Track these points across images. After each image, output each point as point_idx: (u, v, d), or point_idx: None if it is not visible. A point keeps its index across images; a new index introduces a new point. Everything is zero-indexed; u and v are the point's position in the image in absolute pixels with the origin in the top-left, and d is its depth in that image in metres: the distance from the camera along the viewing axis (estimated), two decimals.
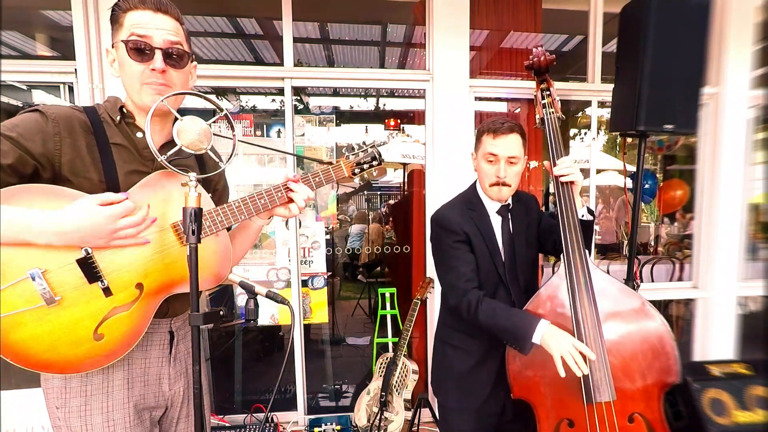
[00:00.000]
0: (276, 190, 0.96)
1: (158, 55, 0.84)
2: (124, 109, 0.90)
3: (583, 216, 1.26)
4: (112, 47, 0.88)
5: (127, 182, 0.87)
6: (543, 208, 1.63)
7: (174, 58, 0.87)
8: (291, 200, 0.97)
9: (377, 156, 1.05)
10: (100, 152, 0.86)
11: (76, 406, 0.87)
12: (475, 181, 1.37)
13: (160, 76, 0.85)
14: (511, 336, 1.16)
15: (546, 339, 1.09)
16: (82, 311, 0.81)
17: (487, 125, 1.27)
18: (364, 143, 1.07)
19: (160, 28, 0.85)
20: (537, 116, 1.33)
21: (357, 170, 1.04)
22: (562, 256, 1.23)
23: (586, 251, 1.23)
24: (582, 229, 1.24)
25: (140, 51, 0.84)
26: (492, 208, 1.32)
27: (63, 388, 0.87)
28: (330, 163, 1.01)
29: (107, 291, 0.83)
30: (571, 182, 1.23)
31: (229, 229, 1.07)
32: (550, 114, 1.30)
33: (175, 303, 0.95)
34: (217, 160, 0.92)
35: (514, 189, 1.30)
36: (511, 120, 1.26)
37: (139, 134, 0.91)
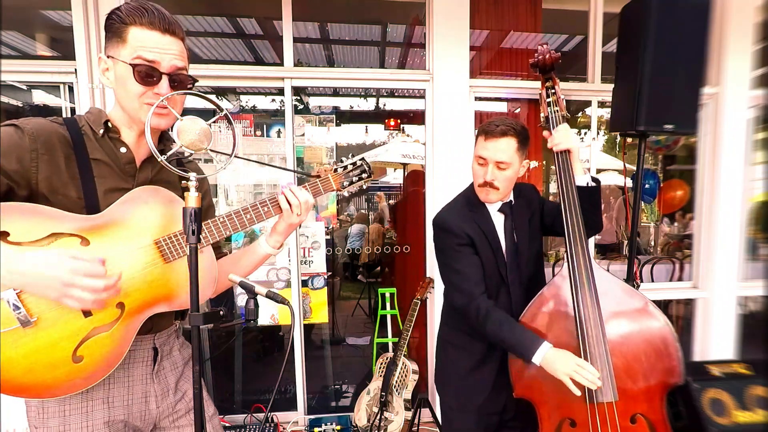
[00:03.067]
0: (262, 204, 0.95)
1: (164, 81, 0.83)
2: (109, 123, 0.87)
3: (587, 183, 1.24)
4: (108, 57, 0.83)
5: (107, 200, 0.84)
6: None
7: (178, 82, 0.85)
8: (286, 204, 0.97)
9: (366, 169, 1.04)
10: (80, 168, 0.82)
11: (54, 427, 0.84)
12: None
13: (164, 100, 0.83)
14: (513, 352, 1.19)
15: (549, 363, 1.10)
16: (61, 332, 0.78)
17: (483, 126, 1.26)
18: (352, 155, 1.05)
19: (168, 52, 0.82)
20: (542, 114, 1.33)
21: (346, 183, 1.03)
22: (564, 254, 1.24)
23: (590, 250, 1.23)
24: (588, 198, 1.23)
25: (147, 75, 0.81)
26: (493, 207, 1.31)
27: (40, 408, 0.84)
28: (318, 177, 1.00)
29: (86, 312, 0.80)
30: (567, 150, 1.22)
31: (217, 247, 1.06)
32: (555, 112, 1.30)
33: (159, 319, 0.92)
34: (188, 161, 0.89)
35: (505, 193, 1.28)
36: (509, 122, 1.22)
37: (123, 149, 0.88)
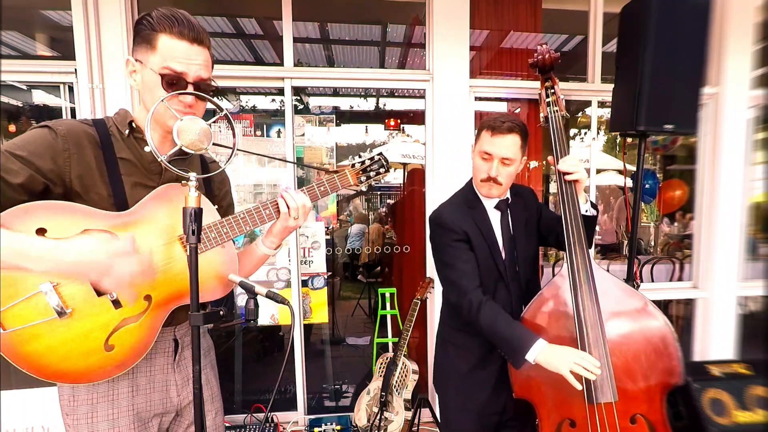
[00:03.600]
0: (264, 207, 0.98)
1: (189, 89, 0.86)
2: (134, 124, 0.91)
3: (586, 211, 1.26)
4: (136, 61, 0.87)
5: (133, 197, 0.88)
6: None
7: (202, 90, 0.88)
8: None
9: (384, 164, 1.06)
10: (107, 166, 0.87)
11: (83, 413, 0.89)
12: (471, 178, 1.36)
13: (187, 107, 0.87)
14: (507, 347, 1.16)
15: (547, 359, 1.08)
16: (93, 323, 0.83)
17: (488, 121, 1.25)
18: (370, 149, 1.06)
19: (195, 63, 0.85)
20: (541, 114, 1.33)
21: (363, 178, 1.05)
22: (564, 254, 1.23)
23: (590, 252, 1.23)
24: (585, 225, 1.23)
25: (174, 84, 0.85)
26: (490, 203, 1.31)
27: (71, 397, 0.90)
28: (336, 172, 1.02)
29: (116, 303, 0.85)
30: (576, 180, 1.23)
31: None
32: (554, 112, 1.30)
33: (179, 312, 0.96)
34: (211, 161, 0.94)
35: (506, 189, 1.29)
36: (513, 119, 1.23)
37: (147, 148, 0.90)
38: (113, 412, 0.91)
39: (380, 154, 1.06)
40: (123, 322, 0.85)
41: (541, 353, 1.09)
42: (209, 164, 1.07)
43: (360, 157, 1.06)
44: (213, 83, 0.91)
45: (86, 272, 0.80)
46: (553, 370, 1.07)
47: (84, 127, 0.87)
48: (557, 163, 1.25)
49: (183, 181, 0.78)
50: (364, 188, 1.09)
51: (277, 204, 0.99)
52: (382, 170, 1.06)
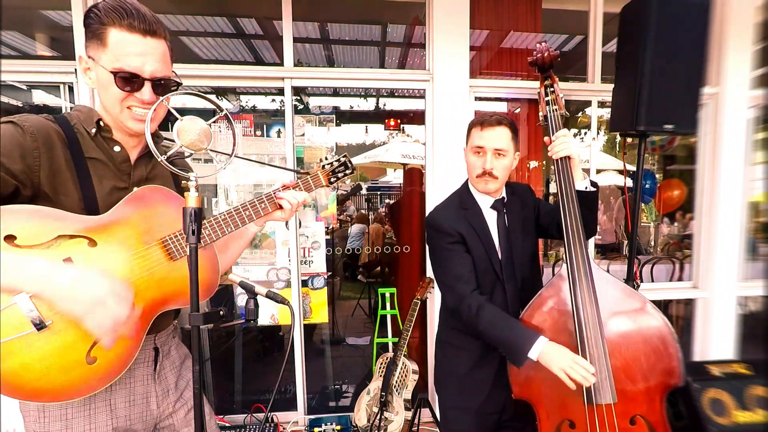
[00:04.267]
0: (259, 201, 1.00)
1: (147, 86, 0.81)
2: (101, 122, 0.86)
3: (586, 188, 1.25)
4: (89, 57, 0.81)
5: (107, 200, 0.83)
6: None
7: (162, 87, 0.83)
8: (280, 207, 1.03)
9: (348, 164, 1.14)
10: (76, 167, 0.81)
11: (57, 431, 0.83)
12: (467, 180, 1.36)
13: (147, 105, 0.82)
14: (508, 348, 1.15)
15: (545, 356, 1.09)
16: (75, 334, 0.76)
17: (476, 119, 1.28)
18: (343, 157, 1.15)
19: (150, 58, 0.80)
20: (540, 113, 1.32)
21: (333, 179, 1.12)
22: (563, 253, 1.23)
23: (589, 249, 1.22)
24: (586, 202, 1.23)
25: (128, 82, 0.79)
26: (486, 203, 1.31)
27: (41, 413, 0.83)
28: (307, 173, 1.10)
29: None
30: (568, 157, 1.23)
31: None
32: (553, 111, 1.29)
33: (161, 318, 0.91)
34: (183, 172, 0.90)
35: (502, 183, 1.29)
36: (500, 114, 1.26)
37: (117, 148, 0.87)
38: (90, 428, 0.84)
39: (345, 155, 1.14)
40: None
41: (542, 350, 1.09)
42: (178, 160, 1.00)
43: (327, 158, 1.15)
44: (175, 78, 0.85)
45: (69, 303, 0.73)
46: (547, 368, 1.08)
47: (50, 123, 0.80)
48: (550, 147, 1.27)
49: (183, 183, 0.77)
50: (332, 188, 1.17)
51: (272, 198, 1.01)
52: (348, 171, 1.14)
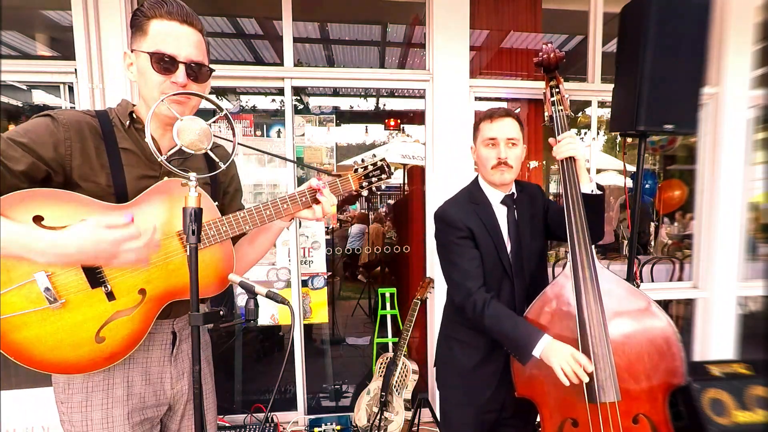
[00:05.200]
0: (282, 201, 0.97)
1: (181, 69, 0.86)
2: (134, 114, 0.92)
3: (592, 191, 1.25)
4: (132, 52, 0.88)
5: (136, 187, 0.88)
6: None
7: (195, 72, 0.89)
8: (316, 202, 0.99)
9: (386, 168, 1.05)
10: (109, 157, 0.87)
11: (78, 402, 0.90)
12: (477, 176, 1.37)
13: (181, 89, 0.87)
14: (513, 345, 1.17)
15: (546, 353, 1.10)
16: (86, 314, 0.83)
17: (483, 113, 1.30)
18: (373, 155, 1.07)
19: (185, 42, 0.87)
20: (546, 114, 1.33)
21: (365, 183, 1.06)
22: (567, 252, 1.23)
23: (593, 249, 1.22)
24: (592, 206, 1.23)
25: (164, 64, 0.85)
26: (496, 199, 1.31)
27: (67, 385, 0.90)
28: (338, 176, 1.03)
29: (110, 295, 0.85)
30: (573, 158, 1.23)
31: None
32: (559, 111, 1.30)
33: (178, 305, 0.96)
34: (218, 161, 0.92)
35: (516, 173, 1.30)
36: (506, 107, 1.29)
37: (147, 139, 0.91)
38: (108, 402, 0.91)
39: (383, 159, 1.05)
40: (115, 315, 0.85)
41: (545, 348, 1.10)
42: (215, 149, 1.05)
43: (363, 161, 1.05)
44: (208, 68, 0.92)
45: (93, 260, 0.80)
46: (547, 363, 1.09)
47: (86, 117, 0.88)
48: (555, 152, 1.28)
49: (183, 183, 0.78)
50: (364, 193, 1.09)
51: (295, 199, 0.98)
52: (384, 176, 1.06)
